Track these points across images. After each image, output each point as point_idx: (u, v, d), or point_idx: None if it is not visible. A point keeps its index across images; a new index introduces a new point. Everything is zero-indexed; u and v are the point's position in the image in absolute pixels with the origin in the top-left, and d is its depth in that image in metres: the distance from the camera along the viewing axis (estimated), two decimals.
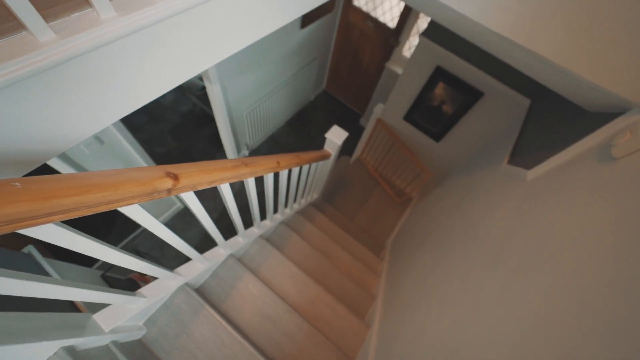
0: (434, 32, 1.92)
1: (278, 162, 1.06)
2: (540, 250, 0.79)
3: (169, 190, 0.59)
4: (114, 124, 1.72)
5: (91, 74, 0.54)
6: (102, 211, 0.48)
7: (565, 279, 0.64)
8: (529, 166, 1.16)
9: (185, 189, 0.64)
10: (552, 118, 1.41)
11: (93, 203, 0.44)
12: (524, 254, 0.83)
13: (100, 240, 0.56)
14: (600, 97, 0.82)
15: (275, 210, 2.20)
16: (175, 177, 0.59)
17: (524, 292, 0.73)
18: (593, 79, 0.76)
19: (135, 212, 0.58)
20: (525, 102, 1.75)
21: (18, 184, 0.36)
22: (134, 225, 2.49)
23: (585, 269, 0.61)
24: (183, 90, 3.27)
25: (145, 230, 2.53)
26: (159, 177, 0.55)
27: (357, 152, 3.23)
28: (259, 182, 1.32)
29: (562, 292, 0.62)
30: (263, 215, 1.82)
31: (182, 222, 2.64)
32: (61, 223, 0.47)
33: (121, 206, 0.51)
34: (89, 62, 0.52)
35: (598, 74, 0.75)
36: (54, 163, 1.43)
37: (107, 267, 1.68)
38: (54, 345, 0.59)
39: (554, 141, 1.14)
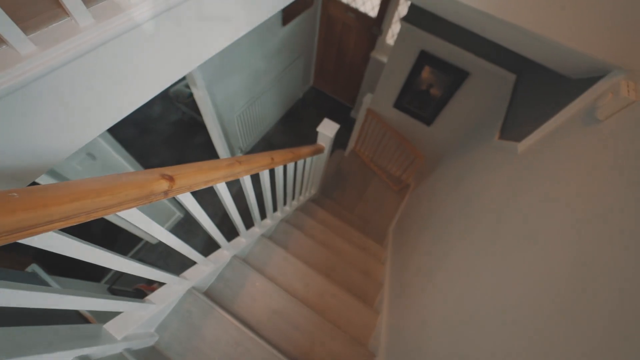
0: (415, 16, 1.92)
1: (272, 159, 1.07)
2: (535, 217, 0.80)
3: (166, 192, 0.60)
4: (105, 139, 1.71)
5: (75, 83, 0.54)
6: (102, 216, 0.48)
7: (560, 242, 0.66)
8: (519, 139, 1.18)
9: (182, 190, 0.64)
10: (538, 90, 1.42)
11: (91, 209, 0.45)
12: (520, 224, 0.85)
13: (104, 248, 0.57)
14: (580, 62, 0.84)
15: (275, 209, 2.21)
16: (171, 179, 0.60)
17: (522, 259, 0.75)
18: (571, 44, 0.77)
19: (135, 217, 0.58)
20: (510, 77, 1.77)
21: (16, 194, 0.37)
22: (136, 240, 2.48)
23: (579, 229, 0.63)
24: (171, 100, 3.25)
25: (147, 244, 2.53)
26: (154, 180, 0.56)
27: (351, 144, 3.24)
28: (256, 181, 1.33)
29: (558, 255, 0.64)
30: (263, 215, 1.82)
31: (183, 231, 2.64)
32: (63, 232, 0.48)
33: (119, 210, 0.51)
34: (73, 72, 0.52)
35: (576, 39, 0.76)
36: (45, 181, 1.43)
37: (113, 280, 1.68)
38: (68, 356, 0.59)
39: (541, 111, 1.16)
